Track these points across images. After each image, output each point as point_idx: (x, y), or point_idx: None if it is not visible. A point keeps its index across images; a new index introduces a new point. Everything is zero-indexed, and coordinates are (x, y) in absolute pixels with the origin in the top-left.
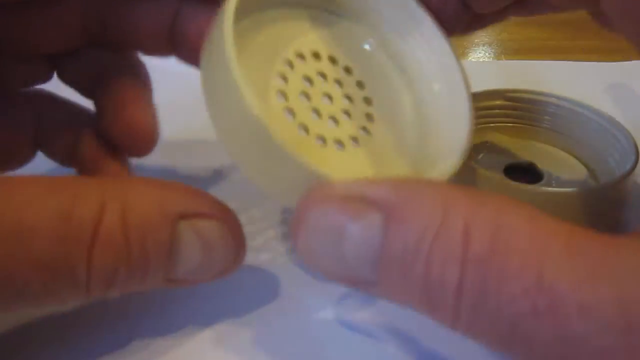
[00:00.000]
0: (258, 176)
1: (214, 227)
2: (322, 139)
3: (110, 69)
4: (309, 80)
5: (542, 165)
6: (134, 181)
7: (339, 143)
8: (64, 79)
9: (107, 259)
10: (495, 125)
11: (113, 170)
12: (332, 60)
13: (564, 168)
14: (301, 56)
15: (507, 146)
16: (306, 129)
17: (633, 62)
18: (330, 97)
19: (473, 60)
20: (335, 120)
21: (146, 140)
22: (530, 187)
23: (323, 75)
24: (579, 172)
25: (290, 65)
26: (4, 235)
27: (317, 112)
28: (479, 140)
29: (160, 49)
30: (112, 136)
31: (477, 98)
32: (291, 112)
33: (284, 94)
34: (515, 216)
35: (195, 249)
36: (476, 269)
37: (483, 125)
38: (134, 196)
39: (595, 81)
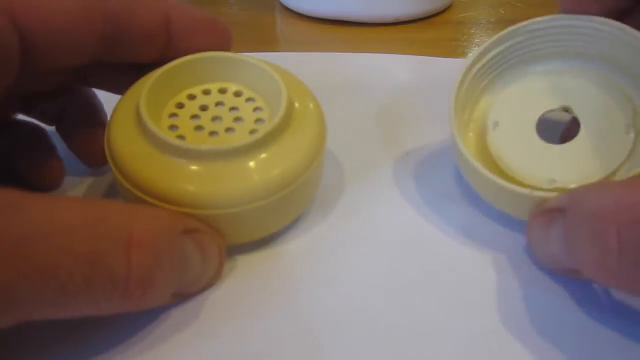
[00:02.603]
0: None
1: (207, 238)
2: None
3: (74, 105)
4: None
5: (579, 109)
6: (145, 205)
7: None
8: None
9: (144, 260)
10: (517, 66)
11: (55, 166)
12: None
13: (603, 109)
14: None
15: (537, 92)
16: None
17: None
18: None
19: None
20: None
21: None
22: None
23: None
24: (620, 113)
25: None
26: (50, 232)
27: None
28: (500, 91)
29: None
30: (79, 153)
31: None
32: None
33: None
34: None
35: (197, 258)
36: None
37: (502, 68)
38: (150, 215)
39: None
